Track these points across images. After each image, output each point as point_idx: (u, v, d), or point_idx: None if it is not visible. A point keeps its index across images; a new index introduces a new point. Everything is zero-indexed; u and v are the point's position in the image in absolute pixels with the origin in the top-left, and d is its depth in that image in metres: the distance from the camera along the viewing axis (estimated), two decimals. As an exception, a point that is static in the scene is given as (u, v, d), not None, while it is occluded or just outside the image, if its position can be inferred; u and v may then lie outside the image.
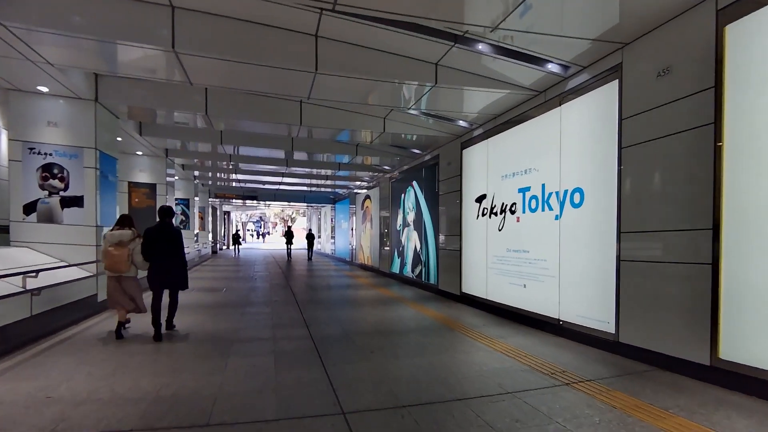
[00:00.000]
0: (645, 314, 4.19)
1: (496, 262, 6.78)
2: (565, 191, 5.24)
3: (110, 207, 7.04)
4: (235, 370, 3.90)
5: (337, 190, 18.78)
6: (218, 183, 17.95)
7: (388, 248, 12.74)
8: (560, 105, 5.34)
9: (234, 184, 17.78)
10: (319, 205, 24.87)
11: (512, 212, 6.36)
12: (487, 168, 7.08)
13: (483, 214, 7.19)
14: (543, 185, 5.68)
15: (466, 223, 7.80)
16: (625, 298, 4.41)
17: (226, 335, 5.24)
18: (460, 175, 7.99)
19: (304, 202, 22.71)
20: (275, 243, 45.10)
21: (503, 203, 6.59)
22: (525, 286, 6.08)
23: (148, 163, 10.90)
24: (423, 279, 9.96)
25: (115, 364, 4.02)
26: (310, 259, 19.39)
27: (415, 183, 10.50)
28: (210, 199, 21.73)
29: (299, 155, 10.93)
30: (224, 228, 33.34)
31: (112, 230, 5.04)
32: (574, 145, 5.12)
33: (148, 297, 5.26)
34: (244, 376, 3.75)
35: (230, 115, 7.06)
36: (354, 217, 17.72)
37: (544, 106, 5.66)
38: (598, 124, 4.75)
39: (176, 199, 15.08)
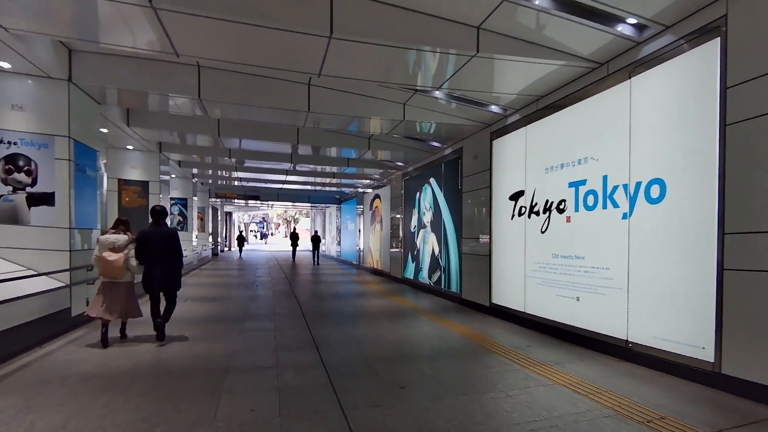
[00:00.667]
0: (760, 339, 3.19)
1: (538, 270, 5.77)
2: (638, 184, 4.24)
3: (89, 206, 6.09)
4: (228, 420, 2.92)
5: (343, 189, 17.82)
6: (219, 182, 17.02)
7: (400, 251, 11.76)
8: (630, 78, 4.34)
9: (236, 183, 16.84)
10: (324, 205, 23.93)
11: (560, 211, 5.36)
12: (525, 160, 6.08)
13: (520, 214, 6.19)
14: (604, 177, 4.68)
15: (498, 224, 6.81)
16: (731, 317, 3.40)
17: (219, 361, 4.26)
18: (490, 169, 7.00)
19: (309, 203, 21.77)
20: (278, 244, 44.16)
21: (548, 201, 5.59)
22: (578, 299, 5.07)
23: (140, 159, 9.97)
24: (442, 286, 8.97)
25: (71, 410, 3.04)
26: (316, 263, 18.17)
27: (432, 180, 9.52)
28: (210, 200, 20.82)
29: (305, 150, 9.97)
30: (226, 229, 32.44)
31: (106, 234, 4.84)
32: (650, 127, 4.12)
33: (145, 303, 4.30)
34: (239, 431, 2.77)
35: (227, 98, 6.10)
36: (361, 218, 16.75)
37: (606, 81, 4.66)
38: (688, 97, 3.75)
39: (172, 199, 14.18)
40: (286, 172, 13.25)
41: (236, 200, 24.31)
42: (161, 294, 5.02)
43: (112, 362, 4.18)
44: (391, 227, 12.71)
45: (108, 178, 9.76)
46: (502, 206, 6.67)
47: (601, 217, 4.72)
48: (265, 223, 61.87)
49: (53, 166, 5.45)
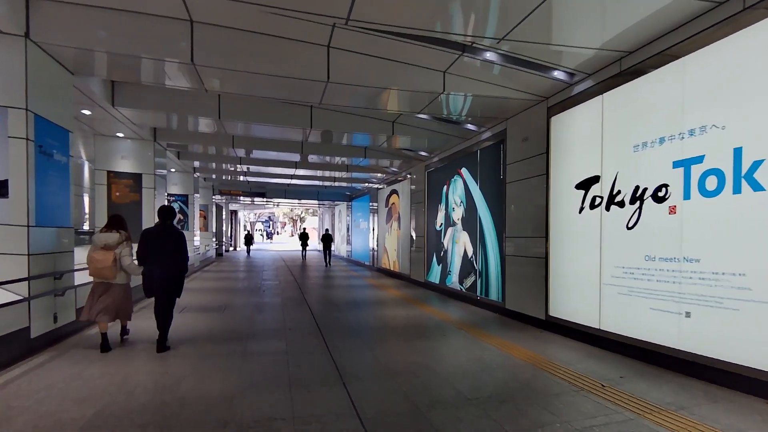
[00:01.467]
0: None
1: (623, 277, 4.52)
2: (807, 158, 2.97)
3: (56, 198, 4.92)
4: None
5: (354, 185, 16.60)
6: (223, 177, 15.86)
7: (422, 252, 10.53)
8: (789, 8, 3.08)
9: (241, 178, 15.68)
10: (334, 202, 22.75)
11: (658, 200, 4.10)
12: (600, 138, 4.82)
13: (593, 206, 4.93)
14: (737, 151, 3.41)
15: (558, 219, 5.55)
16: None
17: (213, 411, 3.06)
18: (546, 152, 5.75)
19: (317, 200, 20.60)
20: (284, 244, 43.09)
21: (637, 187, 4.33)
22: (688, 314, 3.82)
23: (132, 149, 8.83)
24: (478, 293, 7.72)
25: None
26: (327, 265, 16.66)
27: (465, 171, 8.27)
28: (214, 197, 19.72)
29: (316, 137, 8.72)
30: (231, 228, 31.40)
31: (100, 232, 4.60)
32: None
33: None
34: None
35: (227, 64, 4.89)
36: (375, 216, 15.53)
37: (747, 15, 3.40)
38: None
39: (171, 195, 13.07)
40: (296, 165, 12.06)
41: (241, 198, 23.23)
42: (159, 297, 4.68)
43: (64, 406, 2.99)
44: (411, 225, 11.48)
45: (96, 170, 8.63)
46: (564, 197, 5.42)
47: (731, 205, 3.46)
48: (271, 222, 60.95)
49: (5, 146, 4.29)
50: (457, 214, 8.62)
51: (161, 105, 6.87)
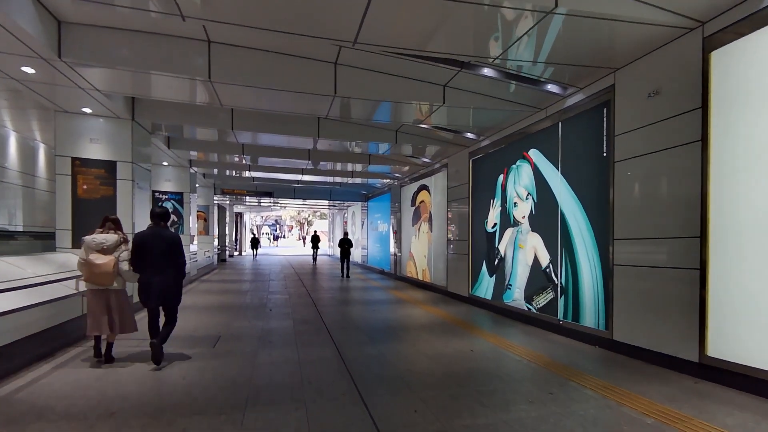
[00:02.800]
0: None
1: None
2: None
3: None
4: None
5: (373, 182, 14.64)
6: (226, 172, 13.93)
7: (465, 260, 8.52)
8: None
9: (246, 173, 13.75)
10: (347, 203, 20.81)
11: None
12: None
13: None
14: None
15: (731, 212, 3.53)
16: None
17: None
18: (704, 108, 3.74)
19: (329, 200, 18.68)
20: (291, 248, 41.14)
21: None
22: None
23: (104, 130, 6.96)
24: (560, 316, 5.71)
25: None
26: (346, 276, 13.64)
27: (535, 153, 6.28)
28: (216, 198, 17.88)
29: (334, 110, 6.73)
30: (236, 232, 29.62)
31: (92, 234, 4.14)
32: None
33: None
34: None
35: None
36: (397, 217, 13.55)
37: None
38: None
39: (160, 193, 11.23)
40: (309, 154, 10.13)
41: (247, 199, 21.41)
42: (161, 308, 4.30)
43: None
44: (448, 227, 9.48)
45: (57, 156, 6.77)
46: (743, 176, 3.40)
47: None
48: (277, 226, 59.28)
49: None
50: (522, 210, 6.61)
51: (135, 60, 4.93)
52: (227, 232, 23.05)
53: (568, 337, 5.50)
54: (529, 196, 6.43)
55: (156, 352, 4.07)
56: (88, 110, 6.63)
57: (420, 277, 11.35)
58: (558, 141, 5.78)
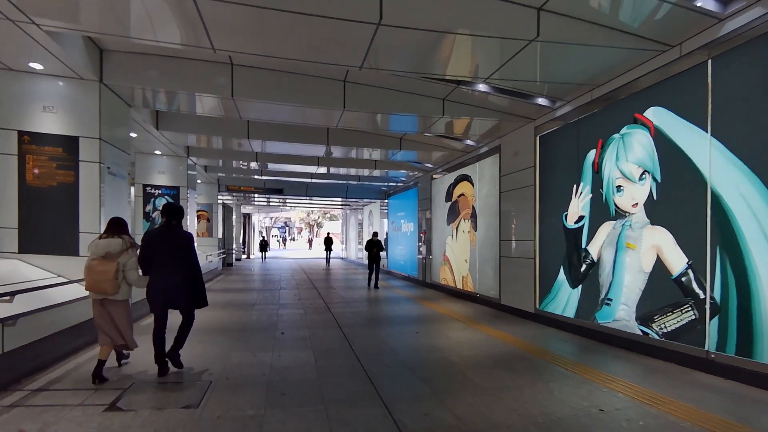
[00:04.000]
0: None
1: None
2: None
3: None
4: None
5: (395, 174, 12.80)
6: (231, 163, 12.16)
7: (529, 266, 6.66)
8: None
9: (253, 164, 11.96)
10: (364, 201, 19.02)
11: None
12: None
13: None
14: None
15: None
16: None
17: None
18: None
19: (344, 197, 16.89)
20: (301, 251, 39.41)
21: None
22: None
23: (62, 96, 5.26)
24: (710, 346, 3.82)
25: None
26: (374, 286, 11.08)
27: (660, 113, 4.40)
28: (220, 195, 16.22)
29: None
30: (244, 234, 28.03)
31: (99, 238, 3.79)
32: None
33: None
34: None
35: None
36: (426, 215, 11.71)
37: None
38: None
39: (151, 187, 9.60)
40: (327, 135, 8.33)
41: (256, 198, 19.74)
42: (173, 312, 3.96)
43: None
44: (500, 224, 7.61)
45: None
46: None
47: None
48: (287, 228, 57.85)
49: None
50: (633, 195, 4.73)
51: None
52: (234, 234, 21.38)
53: (729, 378, 3.63)
54: (646, 175, 4.55)
55: (161, 364, 3.86)
56: (37, 66, 4.93)
57: (459, 286, 9.48)
58: (705, 89, 3.90)
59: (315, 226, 59.30)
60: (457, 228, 9.61)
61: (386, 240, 16.16)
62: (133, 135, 7.89)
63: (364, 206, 20.62)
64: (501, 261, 7.59)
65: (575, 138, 5.68)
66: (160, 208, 9.69)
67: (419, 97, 6.28)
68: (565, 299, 5.88)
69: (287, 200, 20.49)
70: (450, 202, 9.99)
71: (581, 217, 5.57)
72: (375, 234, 11.57)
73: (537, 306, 6.54)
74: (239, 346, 5.03)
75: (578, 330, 5.60)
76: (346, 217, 26.94)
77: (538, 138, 6.50)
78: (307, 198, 18.38)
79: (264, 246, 26.94)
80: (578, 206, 5.62)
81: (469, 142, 8.28)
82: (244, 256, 26.42)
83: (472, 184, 8.82)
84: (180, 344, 4.02)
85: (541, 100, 5.98)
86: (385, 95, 6.27)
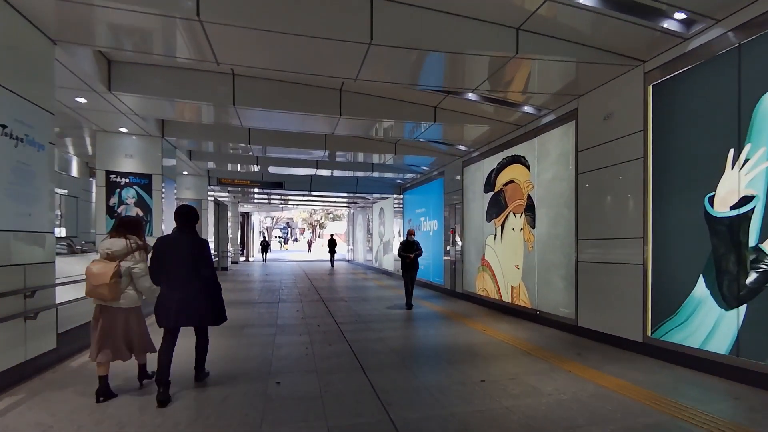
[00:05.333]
0: None
1: None
2: None
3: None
4: None
5: (415, 161, 10.74)
6: (221, 149, 10.06)
7: (633, 274, 4.63)
8: None
9: (247, 146, 9.87)
10: (374, 198, 16.97)
11: None
12: None
13: None
14: None
15: None
16: None
17: None
18: None
19: (354, 192, 14.85)
20: (303, 252, 37.27)
21: None
22: None
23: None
24: None
25: None
26: (409, 306, 7.92)
27: None
28: (211, 189, 14.22)
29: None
30: (244, 235, 26.05)
31: (108, 237, 3.46)
32: None
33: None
34: None
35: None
36: (457, 209, 9.69)
37: None
38: None
39: (114, 174, 7.67)
40: (339, 104, 6.36)
41: (254, 193, 17.76)
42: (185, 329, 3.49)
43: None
44: (577, 217, 5.57)
45: None
46: None
47: None
48: (289, 229, 55.92)
49: None
50: None
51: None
52: (229, 234, 19.38)
53: None
54: None
55: (161, 387, 3.24)
56: None
57: (506, 298, 7.43)
58: None
59: (318, 226, 57.26)
60: (502, 225, 7.56)
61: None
62: (81, 100, 5.92)
63: (373, 204, 18.57)
64: (579, 268, 5.54)
65: (732, 77, 3.65)
66: (128, 201, 7.74)
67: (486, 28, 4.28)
68: (709, 326, 3.85)
69: (289, 197, 18.48)
70: (491, 193, 7.94)
71: (746, 199, 3.53)
72: (411, 233, 8.40)
73: (648, 332, 4.50)
74: (203, 418, 3.01)
75: (739, 375, 3.57)
76: (352, 216, 24.90)
77: (651, 88, 4.47)
78: (310, 194, 16.39)
79: (265, 247, 25.18)
80: (739, 182, 3.58)
81: (527, 109, 6.22)
82: (242, 259, 24.43)
83: (527, 167, 6.78)
84: (202, 360, 3.75)
85: (667, 24, 3.93)
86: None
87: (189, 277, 3.38)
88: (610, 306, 5.02)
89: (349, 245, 25.78)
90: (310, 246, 41.73)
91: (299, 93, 6.20)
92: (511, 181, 7.25)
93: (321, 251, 36.58)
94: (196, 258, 3.44)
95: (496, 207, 7.75)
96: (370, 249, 19.18)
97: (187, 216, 3.50)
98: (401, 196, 14.33)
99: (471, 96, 5.90)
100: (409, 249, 7.99)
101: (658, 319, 4.42)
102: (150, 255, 3.44)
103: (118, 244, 3.33)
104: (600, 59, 4.53)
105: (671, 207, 4.27)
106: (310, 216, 52.21)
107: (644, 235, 4.54)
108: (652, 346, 4.48)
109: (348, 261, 24.77)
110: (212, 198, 15.52)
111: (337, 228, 48.20)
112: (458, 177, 9.45)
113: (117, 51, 5.23)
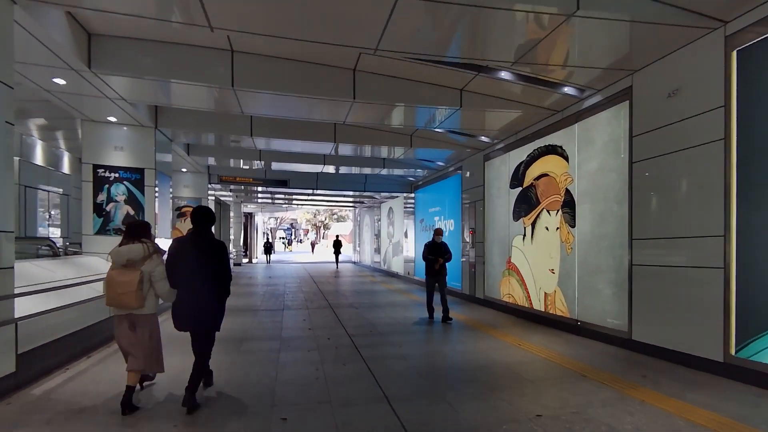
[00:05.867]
0: None
1: None
2: None
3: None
4: None
5: (430, 154, 9.96)
6: (222, 143, 9.35)
7: (709, 278, 3.84)
8: None
9: (250, 140, 9.21)
10: (382, 197, 16.21)
11: None
12: None
13: None
14: None
15: None
16: None
17: None
18: None
19: (363, 190, 14.08)
20: (307, 253, 36.51)
21: None
22: None
23: None
24: None
25: None
26: (444, 319, 6.61)
27: None
28: (212, 187, 13.53)
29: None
30: (247, 236, 25.37)
31: (119, 245, 3.28)
32: None
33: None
34: None
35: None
36: (477, 207, 8.91)
37: None
38: None
39: (103, 168, 6.98)
40: (347, 110, 5.62)
41: (258, 192, 17.08)
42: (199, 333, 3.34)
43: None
44: (631, 213, 4.78)
45: None
46: None
47: None
48: (293, 230, 55.27)
49: None
50: None
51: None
52: (231, 235, 18.66)
53: None
54: None
55: (189, 395, 3.10)
56: None
57: (537, 306, 6.63)
58: None
59: (322, 227, 56.55)
60: (533, 224, 6.77)
61: (413, 242, 13.33)
62: (59, 81, 5.20)
63: (381, 203, 17.81)
64: (633, 271, 4.74)
65: None
66: (118, 198, 7.04)
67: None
68: (826, 350, 3.04)
69: (293, 196, 17.75)
70: (519, 189, 7.15)
71: None
72: (438, 233, 6.94)
73: (731, 351, 3.70)
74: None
75: None
76: (359, 216, 24.16)
77: (735, 54, 3.67)
78: (315, 194, 15.67)
79: (268, 248, 24.53)
80: None
81: (568, 90, 5.43)
82: (245, 260, 23.73)
83: (565, 158, 5.98)
84: (197, 379, 3.20)
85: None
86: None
87: (201, 280, 3.26)
88: (678, 318, 4.22)
89: (355, 246, 25.03)
90: (313, 248, 40.66)
91: (308, 73, 5.37)
92: (545, 175, 6.46)
93: (325, 253, 35.82)
94: (213, 261, 3.31)
95: (526, 204, 6.96)
96: (378, 250, 18.41)
97: (206, 217, 3.37)
98: (412, 194, 13.55)
99: (504, 75, 5.13)
100: (437, 252, 6.79)
101: (745, 335, 3.62)
102: (165, 258, 3.35)
103: (136, 249, 3.23)
104: (671, 19, 3.73)
105: (763, 197, 3.48)
106: (314, 217, 51.51)
107: (726, 232, 3.74)
108: (736, 368, 3.68)
109: (354, 263, 24.01)
110: (213, 197, 14.82)
111: (342, 229, 47.48)
112: (476, 172, 8.65)
113: (97, 22, 4.51)
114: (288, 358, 4.54)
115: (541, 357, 4.65)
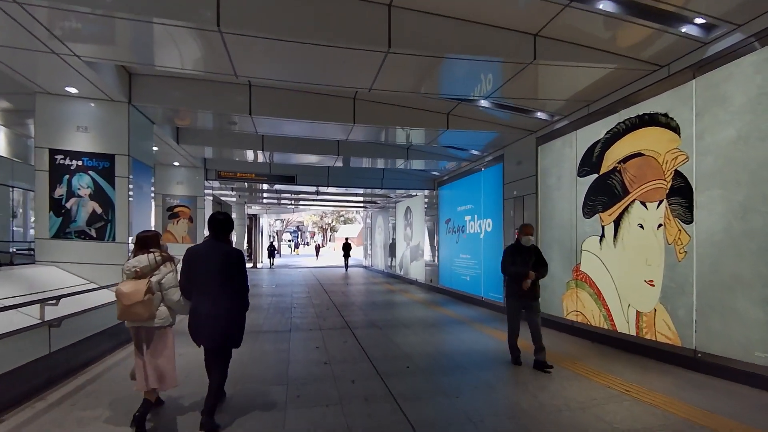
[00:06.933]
0: None
1: None
2: None
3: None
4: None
5: (463, 140, 8.36)
6: (219, 124, 7.68)
7: None
8: None
9: (251, 121, 7.62)
10: (398, 195, 14.62)
11: None
12: None
13: None
14: None
15: None
16: None
17: None
18: None
19: (379, 188, 12.51)
20: (314, 258, 34.74)
21: None
22: None
23: None
24: None
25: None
26: (544, 366, 4.27)
27: None
28: (209, 184, 12.06)
29: None
30: (252, 239, 23.93)
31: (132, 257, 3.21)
32: None
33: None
34: None
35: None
36: (518, 207, 7.31)
37: None
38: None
39: (60, 155, 5.48)
40: (378, 67, 4.13)
41: (264, 191, 15.63)
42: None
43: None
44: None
45: None
46: None
47: None
48: (299, 233, 53.91)
49: None
50: None
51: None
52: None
53: None
54: None
55: (207, 417, 2.94)
56: None
57: (622, 329, 5.02)
58: None
59: (329, 230, 55.02)
60: (617, 221, 5.17)
61: (437, 245, 11.76)
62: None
63: (396, 203, 16.24)
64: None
65: None
66: (81, 191, 5.58)
67: None
68: None
69: (300, 195, 16.23)
70: (594, 176, 5.56)
71: None
72: (528, 231, 4.69)
73: None
74: None
75: None
76: (370, 218, 22.61)
77: None
78: (324, 194, 14.18)
79: (272, 252, 23.09)
80: None
81: (686, 29, 3.84)
82: (249, 265, 22.28)
83: (673, 129, 4.39)
84: (214, 407, 3.05)
85: None
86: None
87: (217, 290, 3.09)
88: None
89: (366, 250, 23.48)
90: (317, 252, 36.70)
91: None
92: (637, 155, 4.86)
93: (331, 257, 33.97)
94: (228, 270, 3.14)
95: (605, 195, 5.36)
96: (393, 254, 16.84)
97: (224, 224, 3.26)
98: (435, 192, 11.97)
99: (599, 4, 3.57)
100: (525, 260, 4.47)
101: None
102: (179, 266, 3.21)
103: (143, 260, 3.13)
104: None
105: None
106: (321, 219, 50.09)
107: None
108: None
109: (365, 267, 22.46)
110: (211, 196, 13.38)
111: (350, 231, 45.94)
112: (529, 159, 7.07)
113: None
114: (300, 425, 2.99)
115: (681, 418, 3.06)
